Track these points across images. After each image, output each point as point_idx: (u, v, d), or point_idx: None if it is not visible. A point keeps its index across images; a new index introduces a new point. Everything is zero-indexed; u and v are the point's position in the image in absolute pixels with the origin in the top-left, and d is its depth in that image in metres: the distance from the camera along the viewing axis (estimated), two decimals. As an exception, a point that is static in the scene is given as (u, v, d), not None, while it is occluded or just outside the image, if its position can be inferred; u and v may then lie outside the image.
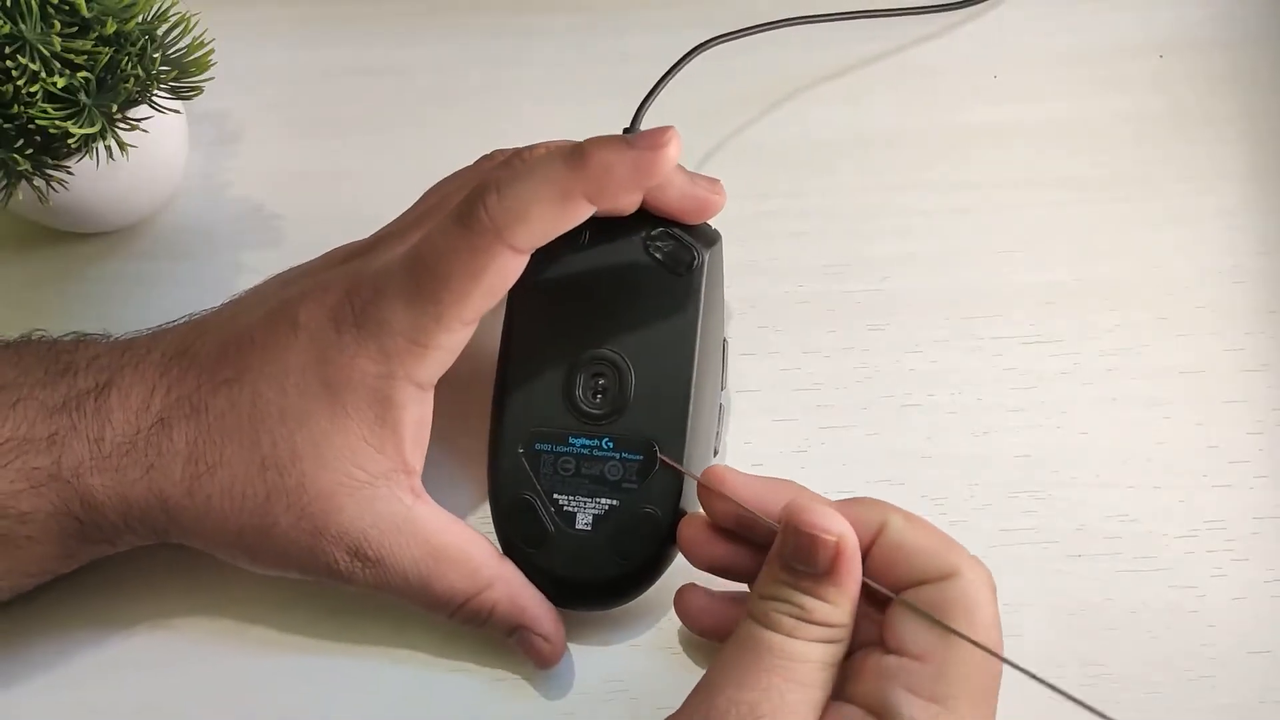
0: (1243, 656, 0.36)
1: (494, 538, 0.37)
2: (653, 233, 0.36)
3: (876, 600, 0.31)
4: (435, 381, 0.34)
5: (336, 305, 0.34)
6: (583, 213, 0.33)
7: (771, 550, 0.32)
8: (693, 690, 0.30)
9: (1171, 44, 0.47)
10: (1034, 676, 0.28)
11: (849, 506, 0.32)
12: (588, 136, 0.33)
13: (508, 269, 0.33)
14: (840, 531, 0.30)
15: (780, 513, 0.32)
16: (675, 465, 0.35)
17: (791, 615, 0.30)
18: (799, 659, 0.30)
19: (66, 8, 0.35)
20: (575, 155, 0.32)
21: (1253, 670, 0.36)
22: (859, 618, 0.31)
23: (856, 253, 0.44)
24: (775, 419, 0.41)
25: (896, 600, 0.30)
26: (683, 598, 0.35)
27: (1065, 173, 0.45)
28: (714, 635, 0.35)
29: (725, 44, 0.42)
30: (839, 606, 0.31)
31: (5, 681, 0.38)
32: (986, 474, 0.39)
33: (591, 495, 0.35)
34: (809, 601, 0.30)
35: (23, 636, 0.38)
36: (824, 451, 0.40)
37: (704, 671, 0.36)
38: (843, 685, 0.31)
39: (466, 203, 0.33)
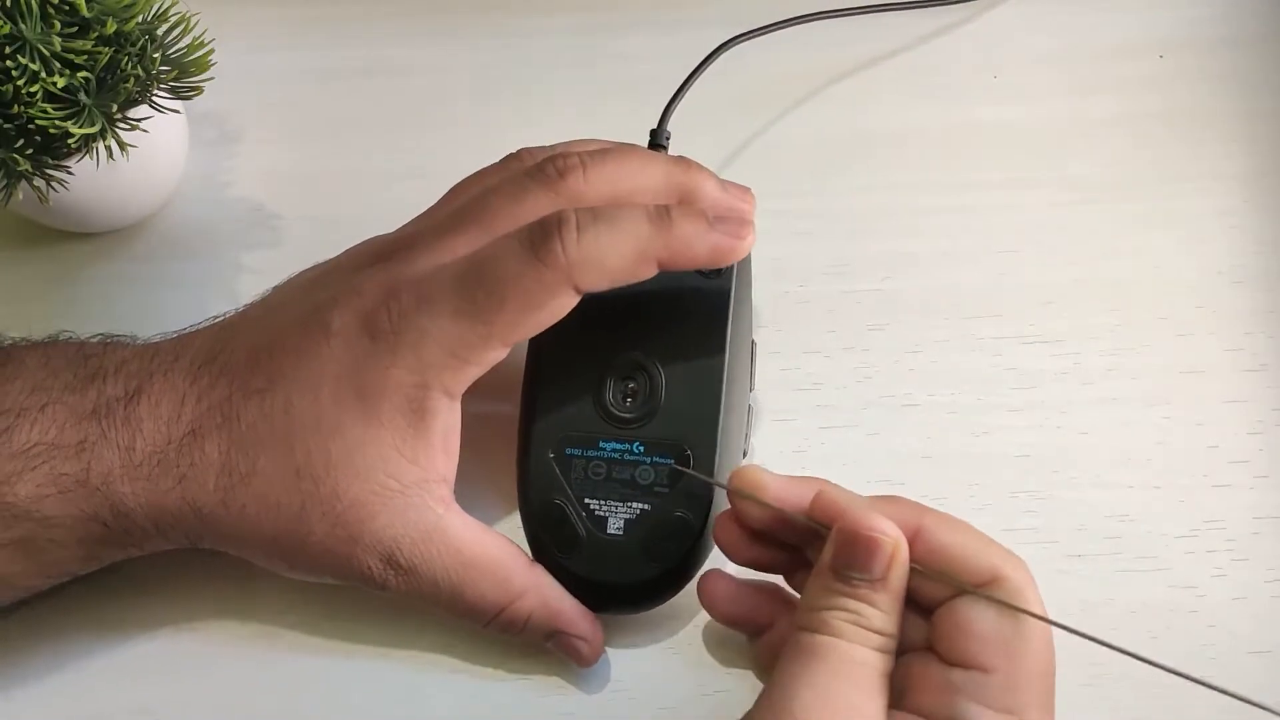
0: (1243, 656, 0.36)
1: (525, 544, 0.36)
2: None
3: (918, 605, 0.31)
4: (463, 391, 0.34)
5: (371, 311, 0.34)
6: (651, 273, 0.34)
7: (820, 561, 0.31)
8: (756, 702, 0.30)
9: (1171, 44, 0.47)
10: (1140, 658, 0.29)
11: (883, 507, 0.32)
12: (617, 142, 0.34)
13: (565, 307, 0.33)
14: (896, 535, 0.30)
15: (812, 511, 0.32)
16: (700, 476, 0.35)
17: (851, 622, 0.30)
18: (863, 665, 0.30)
19: (66, 8, 0.35)
20: (662, 220, 0.33)
21: (1253, 670, 0.36)
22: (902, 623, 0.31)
23: (857, 253, 0.44)
24: (775, 419, 0.41)
25: (974, 593, 0.30)
26: (707, 584, 0.35)
27: (1065, 173, 0.45)
28: (737, 623, 0.35)
29: (724, 45, 0.42)
30: (889, 614, 0.30)
31: (22, 681, 0.38)
32: (986, 474, 0.39)
33: (623, 500, 0.35)
34: (864, 609, 0.30)
35: (38, 637, 0.38)
36: (824, 451, 0.40)
37: (702, 674, 0.37)
38: (899, 697, 0.31)
39: (543, 234, 0.33)
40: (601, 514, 0.35)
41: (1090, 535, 0.38)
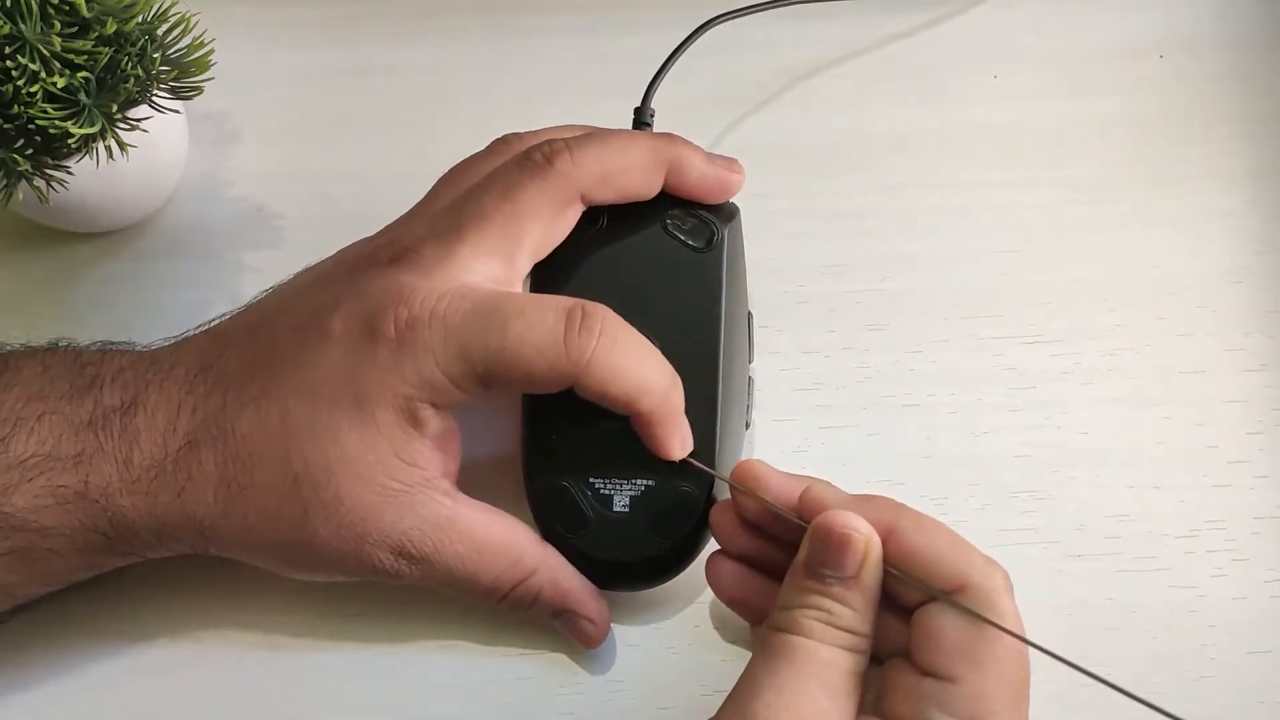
0: (1243, 656, 0.36)
1: (533, 523, 0.37)
2: (671, 212, 0.37)
3: (898, 608, 0.31)
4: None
5: (376, 314, 0.33)
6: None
7: (795, 561, 0.31)
8: (725, 701, 0.30)
9: (1171, 44, 0.47)
10: (1099, 678, 0.28)
11: (860, 505, 0.32)
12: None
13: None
14: (868, 533, 0.30)
15: (799, 508, 0.32)
16: (701, 466, 0.35)
17: (820, 621, 0.30)
18: (831, 665, 0.30)
19: (66, 8, 0.35)
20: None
21: (1253, 670, 0.36)
22: (881, 627, 0.31)
23: (856, 253, 0.44)
24: (775, 419, 0.41)
25: (941, 599, 0.30)
26: (714, 565, 0.35)
27: (1065, 173, 0.45)
28: (741, 607, 0.35)
29: (724, 43, 0.42)
30: (861, 614, 0.30)
31: (21, 686, 0.38)
32: (986, 474, 0.39)
33: (627, 477, 0.36)
34: (836, 607, 0.30)
35: (35, 641, 0.38)
36: (824, 451, 0.40)
37: (702, 673, 0.37)
38: (875, 701, 0.31)
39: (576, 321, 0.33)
40: (607, 492, 0.36)
41: (1090, 535, 0.38)
